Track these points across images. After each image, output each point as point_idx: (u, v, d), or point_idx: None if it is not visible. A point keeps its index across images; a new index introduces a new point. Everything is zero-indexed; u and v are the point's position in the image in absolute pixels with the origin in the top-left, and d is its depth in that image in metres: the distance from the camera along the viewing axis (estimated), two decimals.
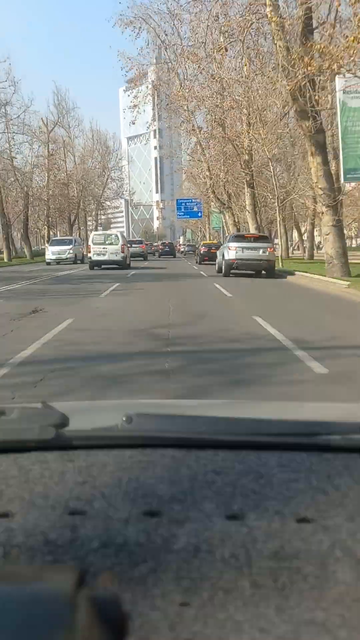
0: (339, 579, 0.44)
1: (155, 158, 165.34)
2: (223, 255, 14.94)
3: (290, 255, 29.62)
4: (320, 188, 12.05)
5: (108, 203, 49.32)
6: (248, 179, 21.04)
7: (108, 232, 21.01)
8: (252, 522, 0.51)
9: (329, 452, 0.65)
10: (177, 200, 35.31)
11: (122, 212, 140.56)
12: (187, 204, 34.51)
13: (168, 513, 0.52)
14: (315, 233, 29.03)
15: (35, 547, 0.47)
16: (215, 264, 16.76)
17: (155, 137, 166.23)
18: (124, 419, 0.70)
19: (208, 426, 0.74)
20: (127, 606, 0.40)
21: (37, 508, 0.53)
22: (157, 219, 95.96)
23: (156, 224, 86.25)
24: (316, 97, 11.29)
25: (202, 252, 24.55)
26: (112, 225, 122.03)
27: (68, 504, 0.53)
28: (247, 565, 0.45)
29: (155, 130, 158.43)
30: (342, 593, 0.43)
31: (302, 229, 33.81)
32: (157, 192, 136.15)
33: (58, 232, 41.52)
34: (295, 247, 40.51)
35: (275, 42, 11.57)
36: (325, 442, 0.67)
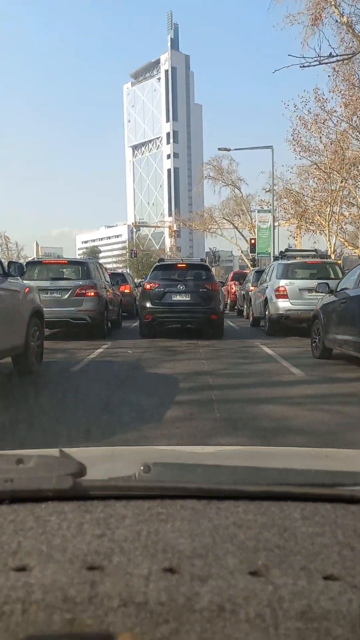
0: None
1: (169, 170, 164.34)
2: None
3: None
4: None
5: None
6: None
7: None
8: (277, 579, 0.57)
9: (355, 505, 0.75)
10: None
11: (123, 240, 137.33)
12: None
13: (189, 569, 0.59)
14: None
15: (54, 604, 0.54)
16: None
17: (168, 142, 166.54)
18: (141, 468, 0.83)
19: (228, 476, 0.88)
20: None
21: (55, 562, 0.61)
22: (170, 249, 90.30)
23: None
24: None
25: None
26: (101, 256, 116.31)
27: (86, 558, 0.61)
28: (274, 625, 0.51)
29: (169, 134, 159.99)
30: None
31: None
32: (169, 214, 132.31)
33: None
34: None
35: None
36: (351, 493, 0.77)
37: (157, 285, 10.94)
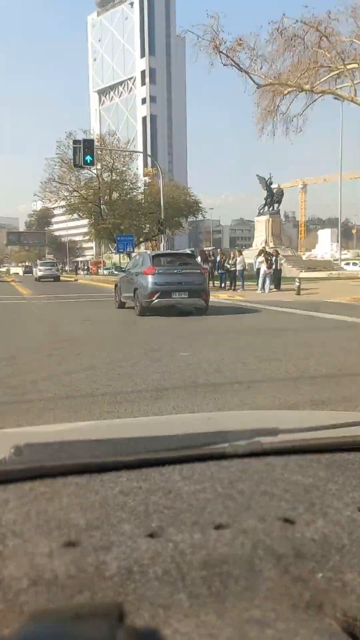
0: (265, 576, 0.58)
1: (144, 118, 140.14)
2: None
3: None
4: None
5: None
6: None
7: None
8: (174, 536, 0.63)
9: (226, 460, 0.85)
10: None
11: None
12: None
13: (89, 541, 0.63)
14: None
15: None
16: None
17: (144, 83, 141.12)
18: (12, 451, 0.82)
19: (105, 448, 0.91)
20: None
21: None
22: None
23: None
24: None
25: None
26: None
27: None
28: (181, 578, 0.57)
29: (144, 72, 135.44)
30: (270, 589, 0.57)
31: None
32: (144, 173, 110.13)
33: None
34: None
35: None
36: (220, 451, 0.87)
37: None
